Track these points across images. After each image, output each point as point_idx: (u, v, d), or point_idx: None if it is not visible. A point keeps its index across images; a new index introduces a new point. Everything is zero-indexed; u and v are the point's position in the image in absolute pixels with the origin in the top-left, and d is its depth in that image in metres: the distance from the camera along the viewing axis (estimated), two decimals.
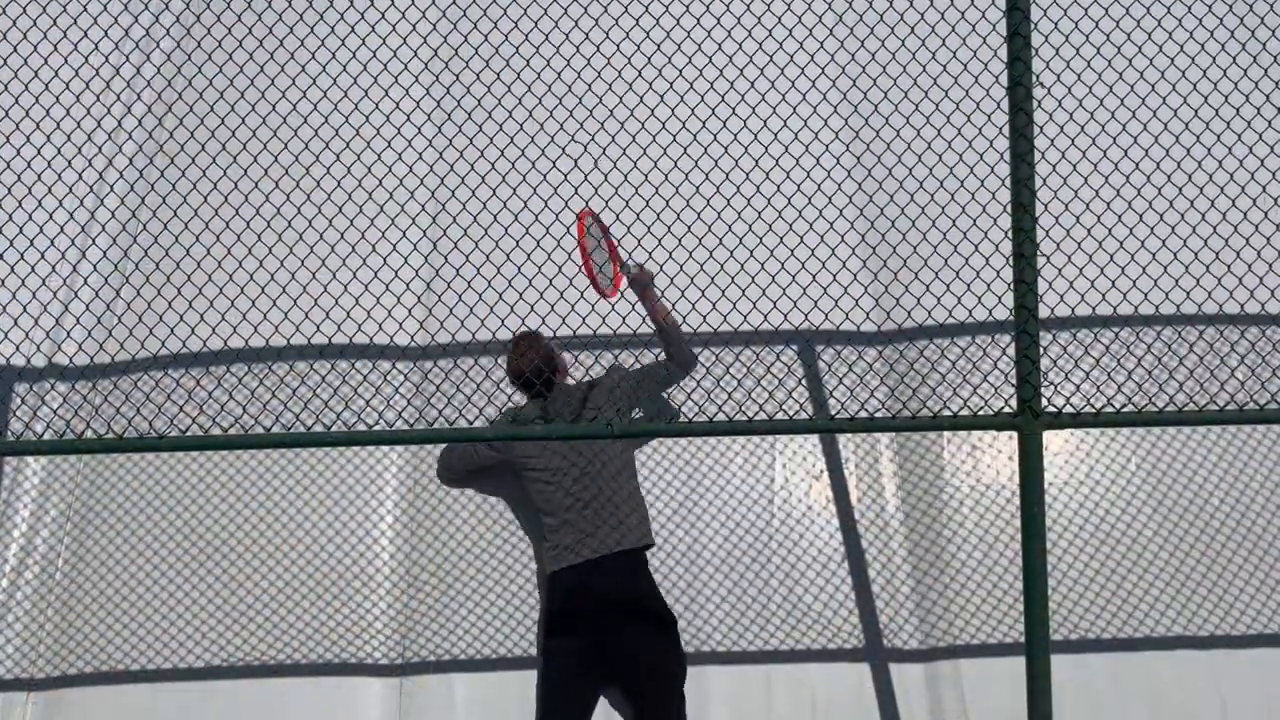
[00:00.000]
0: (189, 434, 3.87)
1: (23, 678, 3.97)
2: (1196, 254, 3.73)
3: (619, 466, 3.70)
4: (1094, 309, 3.77)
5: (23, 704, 3.94)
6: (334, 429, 3.92)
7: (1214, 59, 3.90)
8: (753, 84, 3.80)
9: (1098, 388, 4.03)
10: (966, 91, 3.78)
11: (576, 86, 3.91)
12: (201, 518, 4.14)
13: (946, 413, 3.96)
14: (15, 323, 3.84)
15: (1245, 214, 3.84)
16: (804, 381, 4.20)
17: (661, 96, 3.84)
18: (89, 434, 4.08)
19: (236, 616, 4.02)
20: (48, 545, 4.13)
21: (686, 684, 3.82)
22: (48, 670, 3.97)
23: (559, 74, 3.90)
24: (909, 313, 4.13)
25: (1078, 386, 3.95)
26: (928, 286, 3.95)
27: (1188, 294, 3.69)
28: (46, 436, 4.08)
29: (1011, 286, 3.17)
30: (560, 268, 3.82)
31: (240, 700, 3.93)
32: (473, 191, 4.11)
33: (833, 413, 4.09)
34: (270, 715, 3.91)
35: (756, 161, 3.82)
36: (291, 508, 4.14)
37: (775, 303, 3.76)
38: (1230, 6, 4.20)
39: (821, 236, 3.83)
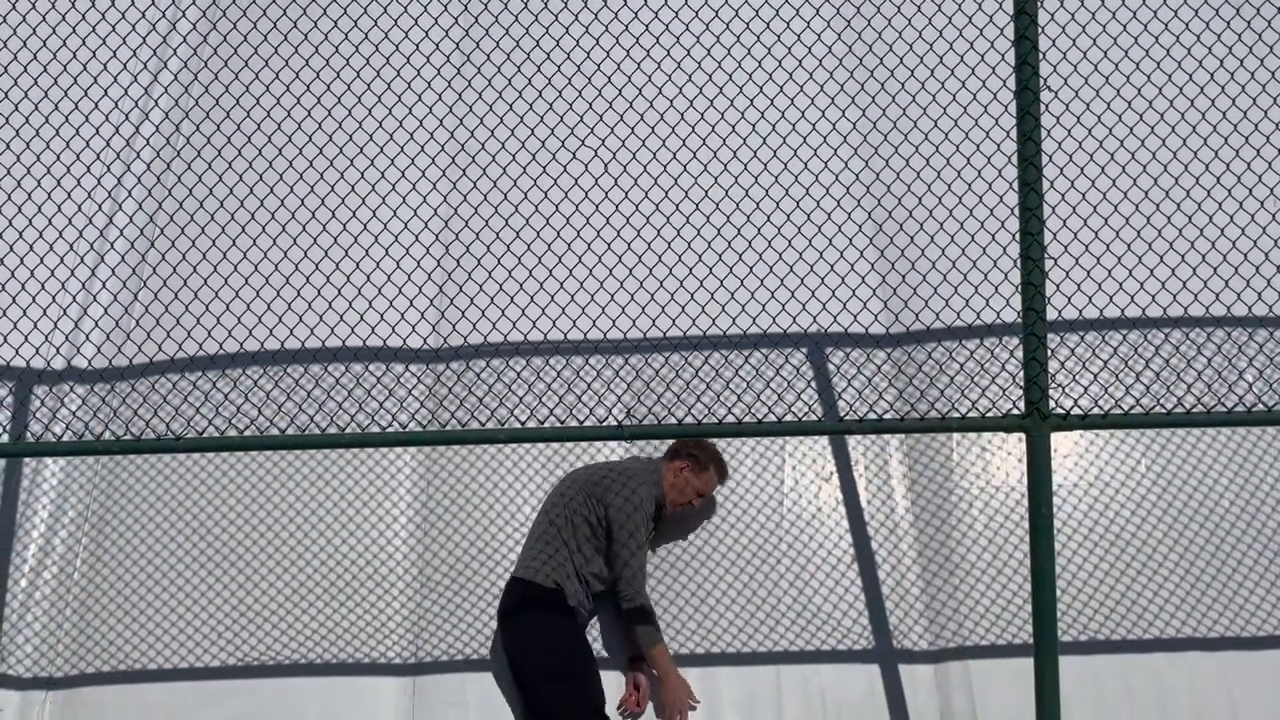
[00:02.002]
0: (205, 435, 3.91)
1: (41, 677, 4.01)
2: (1204, 256, 3.74)
3: (563, 518, 3.87)
4: (1102, 311, 3.78)
5: (41, 703, 3.99)
6: (348, 431, 3.96)
7: (1221, 62, 3.92)
8: (761, 89, 3.83)
9: (1106, 390, 4.04)
10: (974, 95, 3.80)
11: (587, 92, 3.95)
12: (217, 519, 4.18)
13: (955, 415, 3.98)
14: (35, 325, 3.90)
15: (1253, 216, 3.85)
16: (814, 383, 4.22)
17: (671, 101, 3.88)
18: (107, 436, 4.13)
19: (252, 616, 4.05)
20: (66, 546, 4.18)
21: (695, 683, 3.86)
22: (66, 669, 4.02)
23: (569, 79, 3.94)
24: (917, 315, 4.15)
25: (1085, 389, 3.96)
26: (935, 289, 3.97)
27: (1195, 296, 3.71)
28: (65, 438, 4.13)
29: (1019, 289, 3.19)
30: (571, 270, 3.85)
31: (255, 699, 3.96)
32: (484, 196, 4.16)
33: (842, 414, 4.11)
34: (285, 714, 3.94)
35: (765, 165, 3.84)
36: (306, 509, 4.18)
37: (784, 305, 3.79)
38: (1237, 10, 4.21)
39: (830, 239, 3.85)
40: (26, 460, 4.25)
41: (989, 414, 3.94)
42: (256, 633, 4.03)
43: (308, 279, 3.83)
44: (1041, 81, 3.14)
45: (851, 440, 4.20)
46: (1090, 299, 3.68)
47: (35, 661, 4.02)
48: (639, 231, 3.76)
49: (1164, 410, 3.46)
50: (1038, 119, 3.11)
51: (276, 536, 4.15)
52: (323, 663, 4.00)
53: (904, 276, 4.25)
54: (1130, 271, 3.69)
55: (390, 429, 4.00)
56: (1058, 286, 3.51)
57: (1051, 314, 3.24)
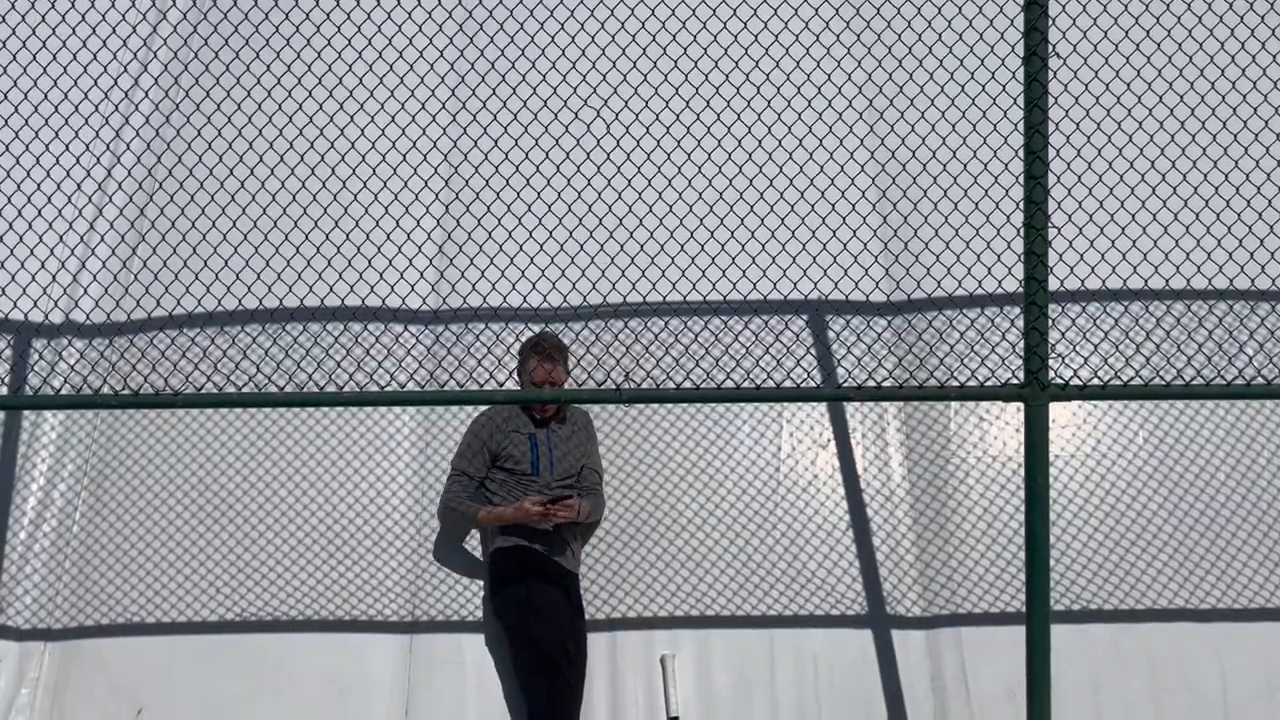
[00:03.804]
0: (203, 392, 3.91)
1: (40, 628, 4.04)
2: (1209, 228, 3.72)
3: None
4: (1104, 282, 3.76)
5: (40, 654, 4.02)
6: (346, 390, 3.96)
7: (1232, 31, 3.87)
8: (767, 50, 3.79)
9: (1106, 361, 4.03)
10: (981, 60, 3.75)
11: (590, 50, 3.90)
12: (216, 475, 4.19)
13: (954, 384, 3.97)
14: (33, 278, 3.88)
15: (1259, 188, 3.81)
16: (813, 350, 4.21)
17: (676, 62, 3.83)
18: (105, 390, 4.13)
19: (250, 572, 4.08)
20: (65, 499, 4.19)
21: (689, 645, 3.92)
22: (65, 621, 4.05)
23: (574, 37, 3.89)
24: (919, 283, 4.13)
25: (1085, 359, 3.95)
26: (938, 257, 3.94)
27: (1198, 268, 3.68)
28: (63, 392, 4.12)
29: (1022, 258, 3.17)
30: (571, 233, 3.83)
31: (252, 654, 3.99)
32: (485, 155, 4.12)
33: (841, 382, 4.10)
34: (281, 670, 3.98)
35: (769, 129, 3.81)
36: (305, 467, 4.19)
37: (785, 271, 3.77)
38: None
39: (833, 205, 3.82)
40: (26, 413, 4.26)
41: (988, 383, 3.94)
42: (254, 588, 4.06)
43: (306, 236, 3.81)
44: (1050, 48, 3.10)
45: (850, 408, 4.20)
46: (1093, 269, 3.66)
47: (34, 613, 4.05)
48: (640, 194, 3.74)
49: (1164, 382, 3.46)
50: (1045, 86, 3.08)
51: (275, 494, 4.16)
52: (320, 619, 4.03)
53: (906, 244, 4.23)
54: (1134, 242, 3.66)
55: (389, 389, 4.00)
56: (1060, 256, 3.49)
57: (1053, 284, 3.22)
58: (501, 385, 4.14)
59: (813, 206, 3.75)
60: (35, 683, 3.97)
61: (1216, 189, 3.72)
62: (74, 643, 4.02)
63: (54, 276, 4.13)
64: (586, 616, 3.95)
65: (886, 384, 4.04)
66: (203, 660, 3.99)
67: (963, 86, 3.79)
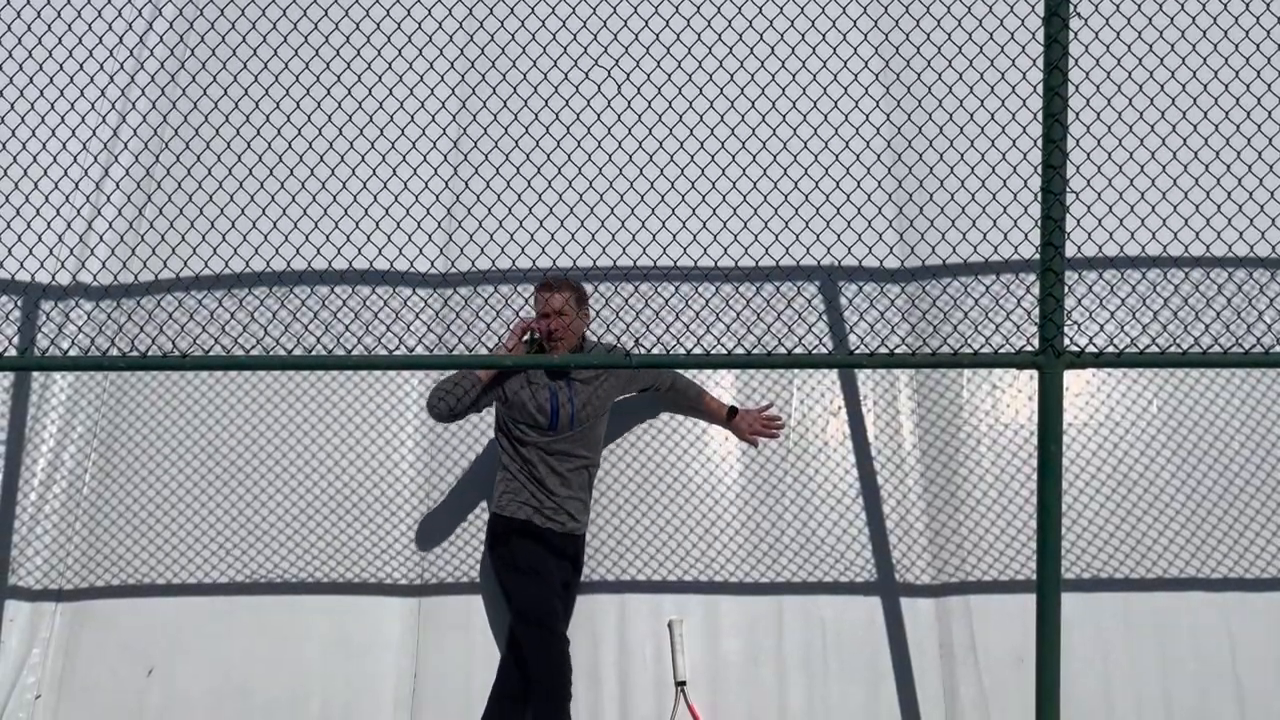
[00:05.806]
0: (212, 354, 3.90)
1: (51, 589, 4.07)
2: (1230, 193, 3.65)
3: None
4: (1122, 248, 3.71)
5: (51, 614, 4.05)
6: (354, 353, 3.94)
7: None
8: (782, 9, 3.72)
9: (1122, 328, 3.99)
10: (1001, 21, 3.68)
11: (601, 9, 3.84)
12: (225, 437, 4.19)
13: (967, 350, 3.93)
14: (39, 239, 3.86)
15: None
16: (825, 317, 4.18)
17: (689, 21, 3.77)
18: (113, 352, 4.12)
19: (259, 535, 4.09)
20: (75, 461, 4.20)
21: (698, 611, 3.94)
22: (75, 582, 4.07)
23: None
24: (933, 249, 4.08)
25: (1101, 327, 3.91)
26: (953, 222, 3.89)
27: (1219, 234, 3.63)
28: (71, 353, 4.12)
29: (1038, 223, 3.12)
30: (581, 196, 3.78)
31: (261, 616, 4.01)
32: (494, 116, 4.07)
33: (853, 349, 4.07)
34: (290, 632, 4.00)
35: (783, 90, 3.75)
36: (314, 430, 4.19)
37: (798, 236, 3.73)
38: None
39: (847, 169, 3.77)
40: (35, 375, 4.25)
41: (1002, 350, 3.90)
42: (264, 550, 4.07)
43: (314, 197, 3.78)
44: (1070, 8, 3.03)
45: (861, 375, 4.17)
46: (1111, 235, 3.61)
47: (45, 574, 4.07)
48: (651, 156, 3.69)
49: (1179, 350, 3.41)
50: (1065, 47, 3.01)
51: (284, 457, 4.16)
52: (329, 582, 4.04)
53: (921, 209, 4.17)
54: (1154, 208, 3.61)
55: (397, 352, 3.98)
56: (1078, 221, 3.44)
57: (1070, 250, 3.17)
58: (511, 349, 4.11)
59: (826, 170, 3.69)
60: (46, 642, 4.00)
61: (1239, 154, 3.65)
62: (84, 603, 4.05)
63: (60, 237, 4.11)
64: (596, 579, 3.96)
65: (899, 351, 4.00)
66: (212, 621, 4.01)
67: (980, 48, 3.72)
